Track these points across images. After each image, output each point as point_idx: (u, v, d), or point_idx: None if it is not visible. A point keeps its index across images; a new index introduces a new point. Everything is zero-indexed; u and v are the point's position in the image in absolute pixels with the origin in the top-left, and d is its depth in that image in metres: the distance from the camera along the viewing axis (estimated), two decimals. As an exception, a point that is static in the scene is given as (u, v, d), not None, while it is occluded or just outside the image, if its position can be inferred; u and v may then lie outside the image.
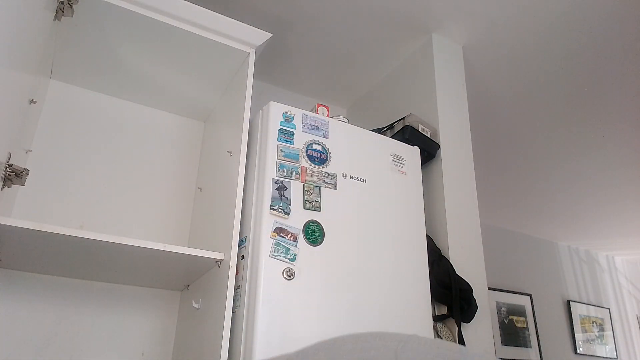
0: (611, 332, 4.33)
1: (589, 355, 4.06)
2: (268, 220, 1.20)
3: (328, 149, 1.39)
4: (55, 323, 1.39)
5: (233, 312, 1.17)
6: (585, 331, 4.14)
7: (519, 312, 3.74)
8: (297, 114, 1.40)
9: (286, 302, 1.14)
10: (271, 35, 1.43)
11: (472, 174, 1.80)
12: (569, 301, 4.15)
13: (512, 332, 3.61)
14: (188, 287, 1.49)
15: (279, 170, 1.29)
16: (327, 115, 1.60)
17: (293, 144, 1.35)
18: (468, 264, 1.60)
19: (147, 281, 1.44)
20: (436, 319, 1.47)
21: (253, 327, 1.09)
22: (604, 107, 2.39)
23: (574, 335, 4.02)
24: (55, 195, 1.47)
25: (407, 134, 1.66)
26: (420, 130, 1.72)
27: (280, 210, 1.23)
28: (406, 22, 1.94)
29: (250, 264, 1.19)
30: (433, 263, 1.49)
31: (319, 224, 1.26)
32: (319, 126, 1.44)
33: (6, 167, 1.02)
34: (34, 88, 1.26)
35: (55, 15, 1.18)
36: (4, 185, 1.04)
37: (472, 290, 1.52)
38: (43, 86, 1.46)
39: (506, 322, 3.62)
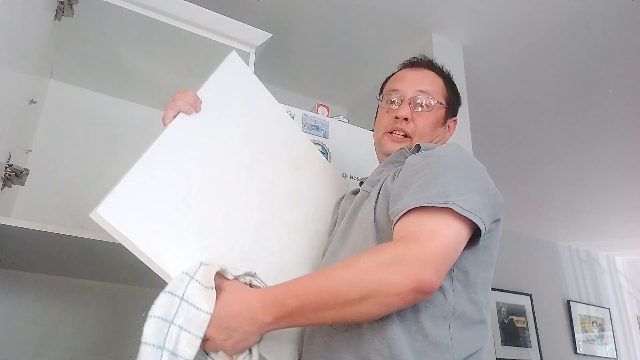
0: (611, 332, 4.33)
1: (589, 355, 4.06)
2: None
3: (328, 149, 1.39)
4: (56, 323, 1.39)
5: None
6: (586, 331, 4.14)
7: (519, 312, 3.74)
8: (297, 114, 1.40)
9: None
10: (271, 35, 1.43)
11: (472, 174, 1.80)
12: (569, 301, 4.15)
13: (512, 332, 3.61)
14: (188, 287, 1.49)
15: (279, 170, 1.29)
16: (327, 115, 1.60)
17: (293, 144, 1.35)
18: (468, 264, 1.60)
19: (148, 281, 1.44)
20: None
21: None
22: (604, 107, 2.39)
23: (574, 335, 4.02)
24: (55, 195, 1.46)
25: (407, 134, 1.66)
26: (420, 130, 1.72)
27: (280, 210, 1.23)
28: (406, 22, 1.94)
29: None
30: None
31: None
32: (319, 126, 1.44)
33: (6, 167, 1.02)
34: (34, 88, 1.26)
35: (55, 15, 1.18)
36: (4, 185, 1.04)
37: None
38: (43, 86, 1.46)
39: (506, 322, 3.62)
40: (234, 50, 1.03)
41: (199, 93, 0.87)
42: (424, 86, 0.98)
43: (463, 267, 0.77)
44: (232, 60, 1.01)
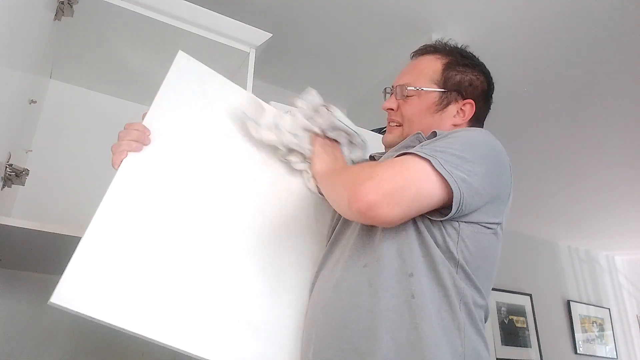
0: (611, 332, 4.33)
1: (589, 355, 4.06)
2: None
3: (328, 149, 1.39)
4: (56, 323, 1.39)
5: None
6: (585, 331, 4.14)
7: (519, 312, 3.74)
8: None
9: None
10: (271, 35, 1.43)
11: (472, 174, 1.80)
12: (569, 301, 4.15)
13: (512, 332, 3.60)
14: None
15: (279, 170, 1.29)
16: (327, 115, 1.60)
17: (293, 144, 1.35)
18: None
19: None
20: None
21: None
22: (604, 107, 2.39)
23: (574, 335, 4.02)
24: (55, 195, 1.46)
25: (407, 134, 1.66)
26: (420, 130, 1.72)
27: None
28: (406, 22, 1.94)
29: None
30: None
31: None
32: (319, 126, 1.43)
33: (6, 167, 1.02)
34: (34, 88, 1.26)
35: (55, 15, 1.18)
36: (4, 185, 1.04)
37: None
38: (43, 86, 1.46)
39: (506, 322, 3.62)
40: (180, 51, 0.96)
41: (146, 119, 0.83)
42: (406, 78, 1.00)
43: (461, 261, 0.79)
44: (180, 64, 0.93)
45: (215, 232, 0.83)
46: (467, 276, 0.78)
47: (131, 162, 0.78)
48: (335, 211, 0.99)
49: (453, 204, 0.74)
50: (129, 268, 0.70)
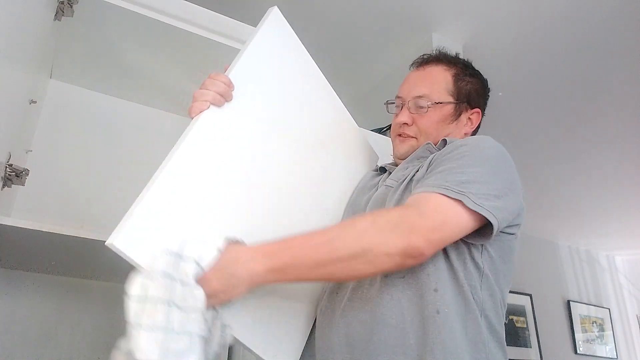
0: (611, 332, 4.33)
1: (589, 355, 4.06)
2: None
3: (328, 149, 1.39)
4: (56, 323, 1.39)
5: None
6: (585, 331, 4.14)
7: (519, 312, 3.74)
8: (297, 114, 1.40)
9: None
10: (271, 35, 1.42)
11: (472, 174, 1.80)
12: (569, 301, 4.15)
13: (512, 332, 3.60)
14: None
15: (279, 170, 1.29)
16: (327, 115, 1.60)
17: (293, 144, 1.35)
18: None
19: (147, 281, 1.44)
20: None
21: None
22: (605, 106, 2.39)
23: (574, 335, 4.02)
24: (55, 195, 1.46)
25: (407, 133, 1.66)
26: (420, 130, 1.72)
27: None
28: (406, 22, 1.94)
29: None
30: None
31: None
32: (319, 126, 1.43)
33: (6, 167, 1.02)
34: (34, 88, 1.26)
35: (55, 15, 1.17)
36: (4, 185, 1.04)
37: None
38: (43, 86, 1.46)
39: (506, 322, 3.61)
40: (275, 7, 0.92)
41: (232, 73, 0.80)
42: (421, 89, 1.00)
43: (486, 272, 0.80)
44: (272, 21, 0.90)
45: (273, 205, 0.84)
46: (491, 287, 0.79)
47: (211, 116, 0.74)
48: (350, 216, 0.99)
49: (493, 232, 0.75)
50: (189, 225, 0.68)
